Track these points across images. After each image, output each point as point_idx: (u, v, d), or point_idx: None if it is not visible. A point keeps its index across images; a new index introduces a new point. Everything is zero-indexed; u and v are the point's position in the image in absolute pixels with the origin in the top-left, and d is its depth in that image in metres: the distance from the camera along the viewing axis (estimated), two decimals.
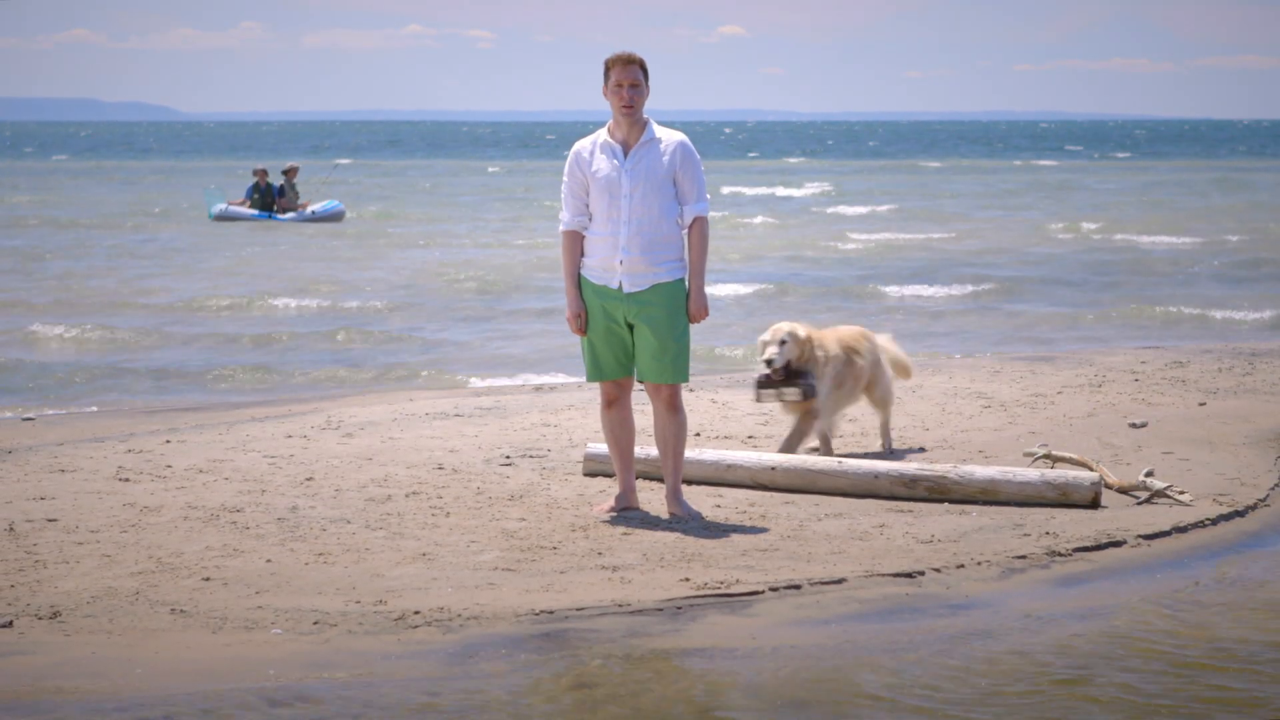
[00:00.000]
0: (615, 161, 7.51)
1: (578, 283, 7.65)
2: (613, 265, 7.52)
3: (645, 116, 7.57)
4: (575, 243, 7.66)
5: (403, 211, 39.07)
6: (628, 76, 7.46)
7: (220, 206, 34.14)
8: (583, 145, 7.65)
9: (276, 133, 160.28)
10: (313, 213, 33.20)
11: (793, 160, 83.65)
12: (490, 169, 69.77)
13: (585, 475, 8.58)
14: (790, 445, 8.85)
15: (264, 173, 33.87)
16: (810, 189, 50.77)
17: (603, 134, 7.63)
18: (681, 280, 7.57)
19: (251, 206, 33.25)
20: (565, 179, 7.67)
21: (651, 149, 7.52)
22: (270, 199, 33.11)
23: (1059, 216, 36.18)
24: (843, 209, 40.32)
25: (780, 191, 49.67)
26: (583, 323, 7.64)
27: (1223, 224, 33.25)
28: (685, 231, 7.59)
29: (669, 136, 7.56)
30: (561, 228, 7.69)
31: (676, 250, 7.57)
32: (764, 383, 8.81)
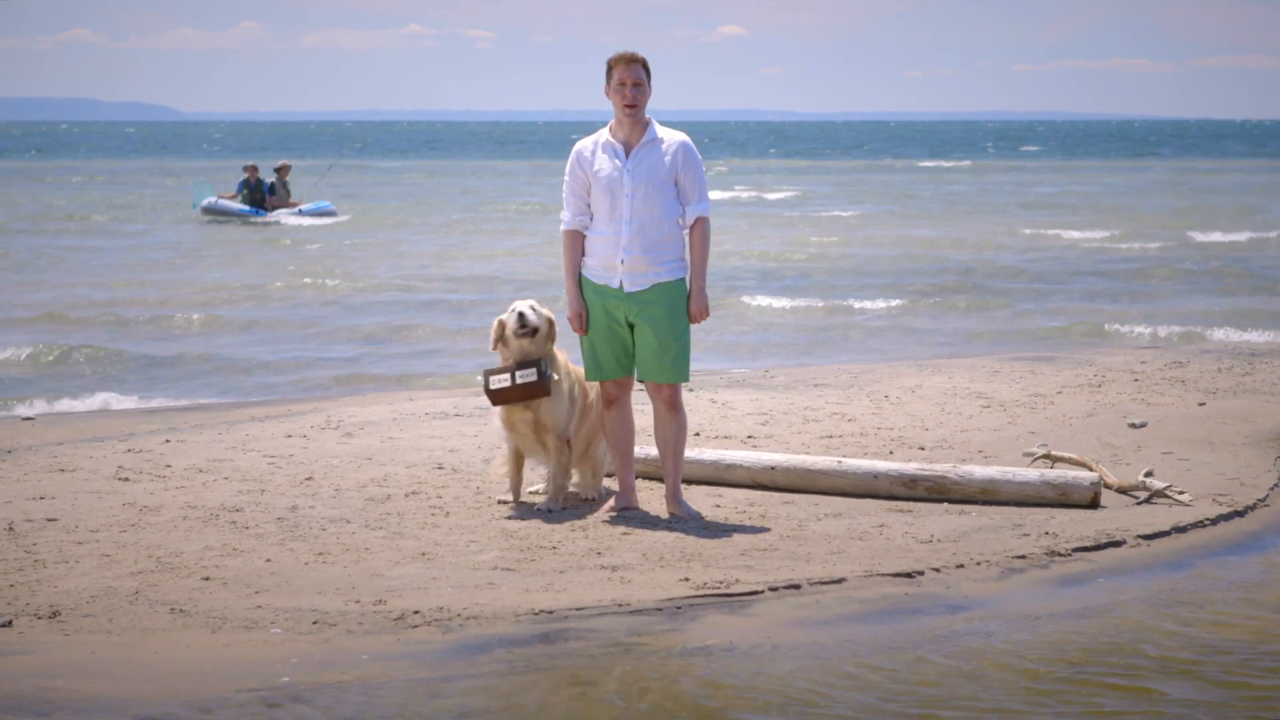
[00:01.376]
0: (617, 161, 7.52)
1: (579, 282, 7.65)
2: (614, 265, 7.53)
3: (647, 116, 7.57)
4: (576, 242, 7.66)
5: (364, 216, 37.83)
6: (630, 75, 7.46)
7: (209, 200, 34.07)
8: (584, 145, 7.65)
9: (256, 134, 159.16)
10: (300, 211, 33.06)
11: (770, 161, 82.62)
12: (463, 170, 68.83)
13: None
14: (557, 488, 7.81)
15: (254, 168, 33.76)
16: (778, 193, 49.62)
17: (604, 134, 7.63)
18: (682, 280, 7.58)
19: (242, 202, 33.18)
20: (566, 178, 7.68)
21: (653, 149, 7.53)
22: (260, 195, 32.99)
23: (991, 219, 35.54)
24: (786, 212, 39.71)
25: (744, 195, 48.90)
26: (584, 322, 7.64)
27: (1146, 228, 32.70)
28: (687, 232, 7.60)
29: (671, 137, 7.57)
30: (563, 227, 7.69)
31: (678, 250, 7.57)
32: (493, 370, 7.69)
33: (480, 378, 7.87)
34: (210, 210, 33.64)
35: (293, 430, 10.04)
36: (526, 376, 7.61)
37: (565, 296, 7.75)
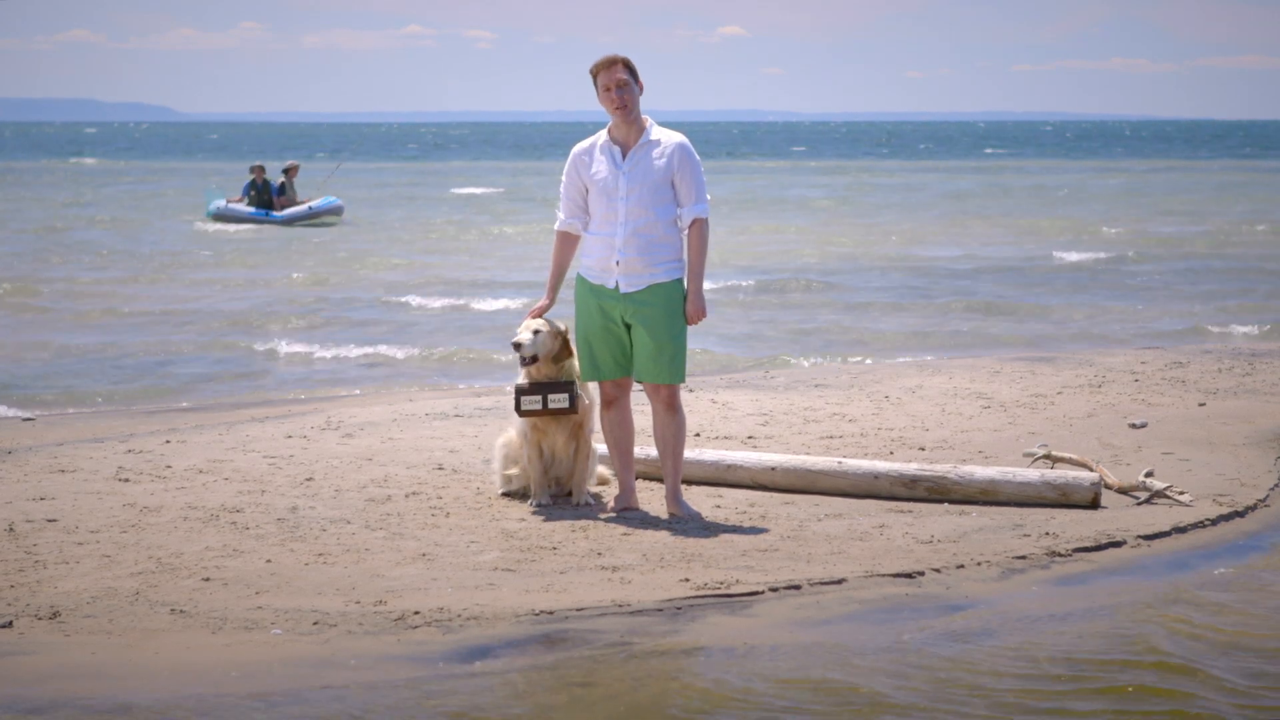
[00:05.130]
0: (613, 164, 7.53)
1: (558, 283, 7.72)
2: (610, 266, 7.53)
3: (645, 117, 7.58)
4: (565, 243, 7.70)
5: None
6: (612, 78, 7.49)
7: (218, 204, 34.08)
8: (582, 147, 7.67)
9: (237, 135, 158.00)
10: (310, 209, 33.02)
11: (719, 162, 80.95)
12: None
13: None
14: (579, 488, 7.93)
15: (260, 169, 33.70)
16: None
17: (603, 135, 7.65)
18: (679, 281, 7.58)
19: (249, 205, 33.15)
20: (564, 180, 7.69)
21: (650, 151, 7.53)
22: (267, 196, 32.92)
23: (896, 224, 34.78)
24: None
25: None
26: (539, 314, 7.68)
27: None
28: (684, 233, 7.60)
29: (668, 138, 7.57)
30: (556, 226, 7.72)
31: (674, 251, 7.57)
32: (525, 389, 7.71)
33: (511, 391, 7.84)
34: (220, 216, 33.61)
35: (293, 431, 10.05)
36: (558, 403, 7.68)
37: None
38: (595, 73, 7.54)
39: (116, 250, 28.29)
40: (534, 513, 7.71)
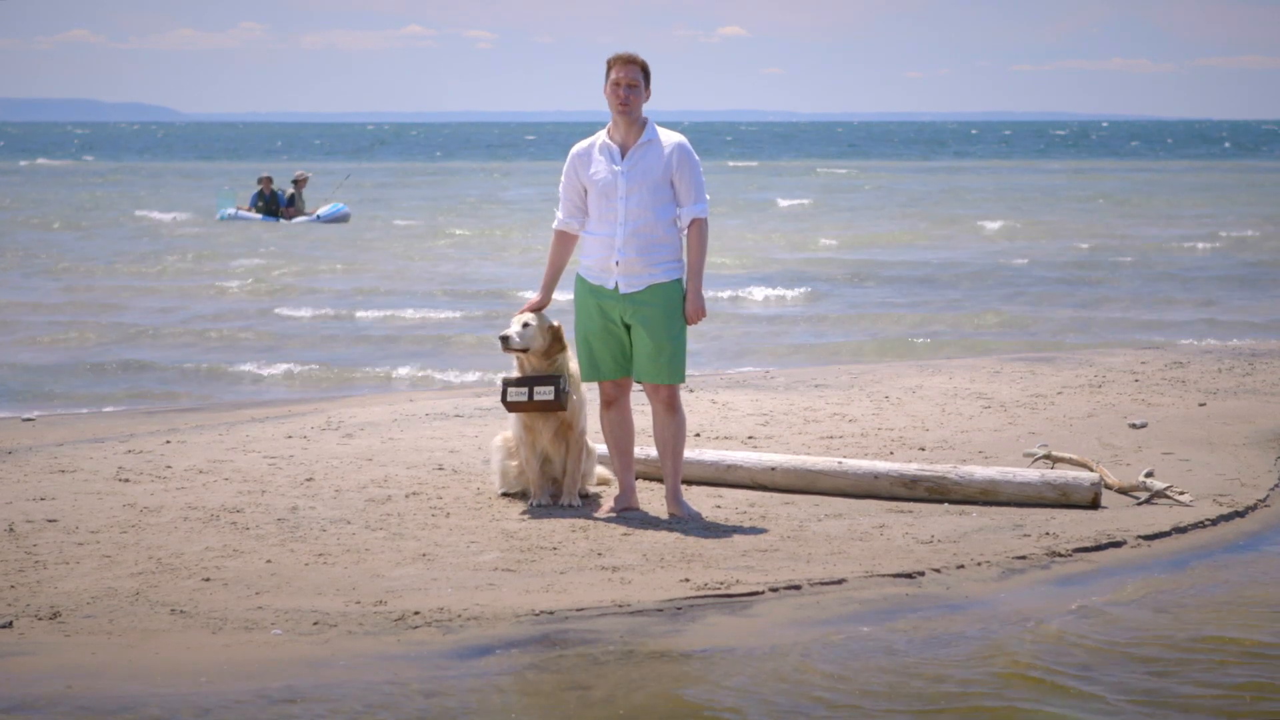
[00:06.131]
0: (613, 164, 7.53)
1: (555, 280, 7.73)
2: (609, 266, 7.53)
3: (645, 117, 7.58)
4: (563, 242, 7.71)
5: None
6: (626, 76, 7.48)
7: (229, 211, 34.19)
8: (581, 147, 7.67)
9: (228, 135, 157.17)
10: (318, 216, 33.11)
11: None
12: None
13: None
14: (569, 490, 7.87)
15: (268, 180, 33.73)
16: None
17: (602, 135, 7.64)
18: (678, 281, 7.58)
19: (256, 214, 33.23)
20: (563, 179, 7.69)
21: (649, 151, 7.53)
22: (275, 207, 32.96)
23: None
24: None
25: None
26: (535, 310, 7.68)
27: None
28: (683, 233, 7.60)
29: (668, 138, 7.57)
30: (554, 225, 7.73)
31: (673, 251, 7.57)
32: (512, 381, 7.70)
33: (499, 384, 7.86)
34: (231, 221, 33.75)
35: (293, 431, 10.05)
36: (544, 394, 7.66)
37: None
38: (611, 64, 7.53)
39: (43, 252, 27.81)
40: (533, 513, 7.71)
